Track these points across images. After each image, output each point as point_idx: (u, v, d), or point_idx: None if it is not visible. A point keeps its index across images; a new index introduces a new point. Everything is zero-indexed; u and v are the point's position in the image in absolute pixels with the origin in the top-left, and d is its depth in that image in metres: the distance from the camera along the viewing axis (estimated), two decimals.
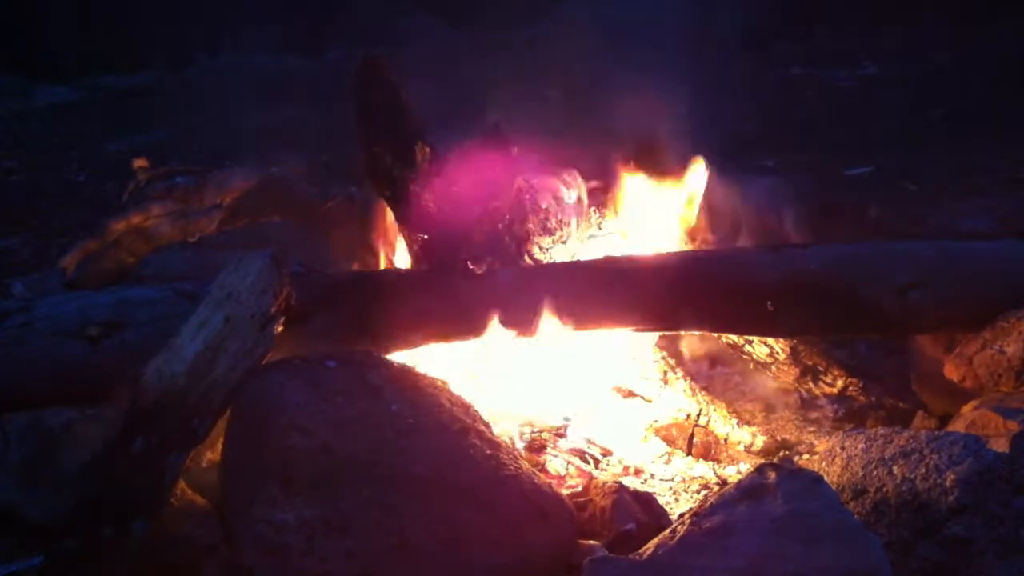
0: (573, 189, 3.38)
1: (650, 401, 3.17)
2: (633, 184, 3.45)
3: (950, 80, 8.14)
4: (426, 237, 2.86)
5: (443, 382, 2.38)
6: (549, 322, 2.74)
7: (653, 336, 3.19)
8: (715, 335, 3.30)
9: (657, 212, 3.45)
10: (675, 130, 3.62)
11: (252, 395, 2.15)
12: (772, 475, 1.95)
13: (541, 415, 3.09)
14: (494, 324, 2.72)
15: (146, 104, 9.57)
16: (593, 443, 3.00)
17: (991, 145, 6.21)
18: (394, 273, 3.04)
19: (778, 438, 3.13)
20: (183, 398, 2.13)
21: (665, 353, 3.26)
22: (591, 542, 2.18)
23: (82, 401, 2.37)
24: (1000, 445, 2.19)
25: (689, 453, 3.04)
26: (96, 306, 2.62)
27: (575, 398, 3.13)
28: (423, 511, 2.00)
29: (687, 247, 3.45)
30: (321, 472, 2.01)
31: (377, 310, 2.68)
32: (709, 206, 3.57)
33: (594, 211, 3.45)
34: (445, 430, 2.19)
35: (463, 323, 2.73)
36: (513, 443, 2.84)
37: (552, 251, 3.02)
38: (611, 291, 2.77)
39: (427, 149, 2.88)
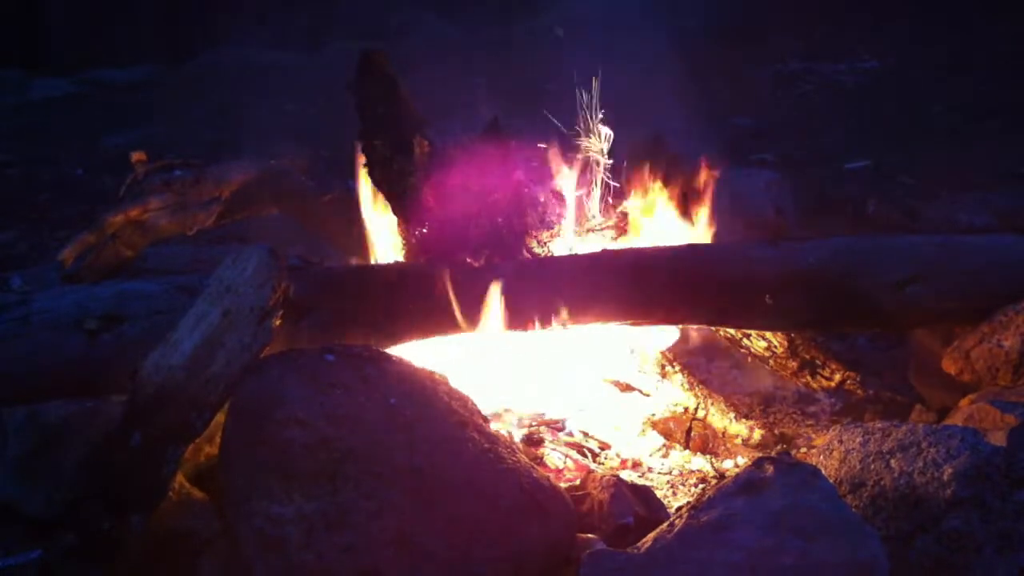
0: (571, 184, 3.38)
1: (648, 395, 3.17)
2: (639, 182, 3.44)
3: (949, 75, 8.13)
4: (425, 231, 2.86)
5: (441, 376, 2.38)
6: (546, 316, 2.74)
7: (651, 329, 3.19)
8: (713, 329, 3.30)
9: (661, 207, 3.44)
10: (676, 125, 3.61)
11: (250, 389, 2.15)
12: (770, 469, 1.95)
13: (539, 409, 3.09)
14: (492, 318, 2.72)
15: (144, 98, 9.55)
16: (591, 437, 3.00)
17: (990, 140, 6.21)
18: (393, 267, 3.04)
19: (776, 432, 3.14)
20: (181, 392, 2.13)
21: (663, 346, 3.26)
22: (589, 535, 2.18)
23: (80, 394, 2.37)
24: (998, 439, 2.19)
25: (687, 447, 3.05)
26: (94, 299, 2.62)
27: (573, 392, 3.13)
28: (421, 505, 2.00)
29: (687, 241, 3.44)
30: (320, 466, 2.01)
31: (376, 304, 2.68)
32: (710, 201, 3.57)
33: (592, 206, 3.44)
34: (443, 423, 2.19)
35: (462, 317, 2.73)
36: (511, 437, 2.85)
37: (551, 245, 3.02)
38: (609, 285, 2.77)
39: (425, 143, 2.88)
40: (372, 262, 3.27)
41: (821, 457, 2.34)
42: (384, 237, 3.23)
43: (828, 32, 9.83)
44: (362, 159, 3.00)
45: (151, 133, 7.47)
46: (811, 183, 5.28)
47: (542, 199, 3.05)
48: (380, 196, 3.05)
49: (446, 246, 2.80)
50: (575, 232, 3.25)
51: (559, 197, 3.14)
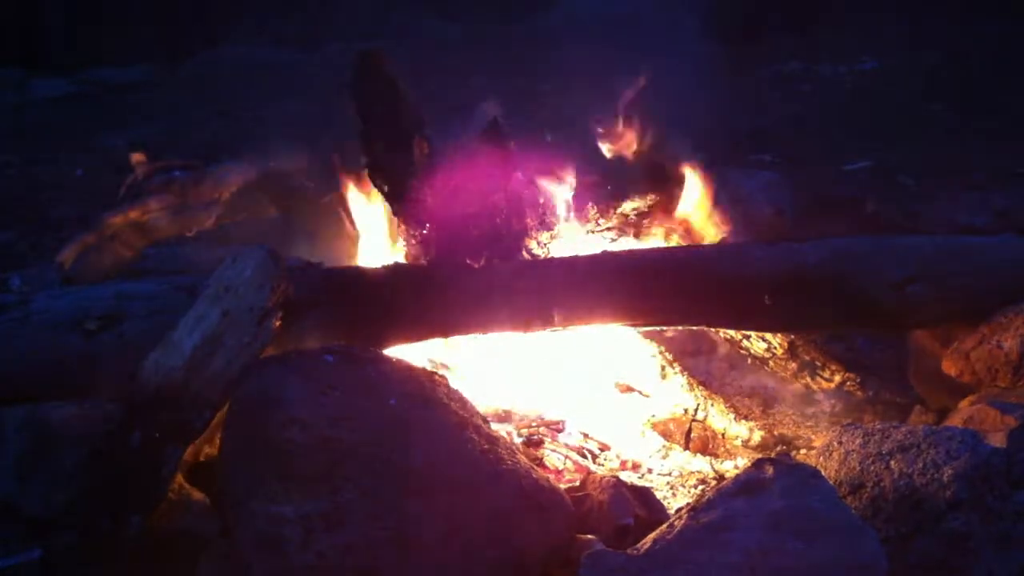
0: (569, 184, 3.38)
1: (648, 396, 3.17)
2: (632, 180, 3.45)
3: (949, 75, 8.13)
4: (424, 232, 2.85)
5: (441, 376, 2.38)
6: (544, 317, 2.74)
7: (651, 331, 3.19)
8: (713, 330, 3.30)
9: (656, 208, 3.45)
10: (674, 126, 3.61)
11: (250, 389, 2.15)
12: (770, 470, 1.95)
13: (539, 410, 3.10)
14: (493, 319, 2.72)
15: (144, 98, 9.55)
16: (591, 438, 3.00)
17: (989, 140, 6.21)
18: (392, 268, 3.04)
19: (776, 433, 3.14)
20: (181, 392, 2.13)
21: (663, 348, 3.26)
22: (589, 536, 2.18)
23: (80, 394, 2.37)
24: (997, 440, 2.19)
25: (687, 448, 3.04)
26: (94, 300, 2.62)
27: (573, 393, 3.13)
28: (421, 505, 2.00)
29: (686, 242, 3.45)
30: (319, 466, 2.01)
31: (375, 304, 2.68)
32: (709, 202, 3.57)
33: (591, 206, 3.44)
34: (443, 424, 2.19)
35: (461, 318, 2.73)
36: (511, 437, 2.85)
37: (550, 246, 3.02)
38: (608, 286, 2.77)
39: (425, 144, 2.88)
40: (363, 264, 3.27)
41: (821, 458, 2.34)
42: (385, 238, 3.23)
43: (828, 32, 9.83)
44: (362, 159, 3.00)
45: (151, 133, 7.45)
46: (811, 183, 5.27)
47: (541, 200, 3.05)
48: (380, 196, 3.06)
49: (446, 247, 2.80)
50: (573, 233, 3.25)
51: (558, 198, 3.15)
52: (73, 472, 2.19)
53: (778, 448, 3.05)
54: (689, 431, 3.07)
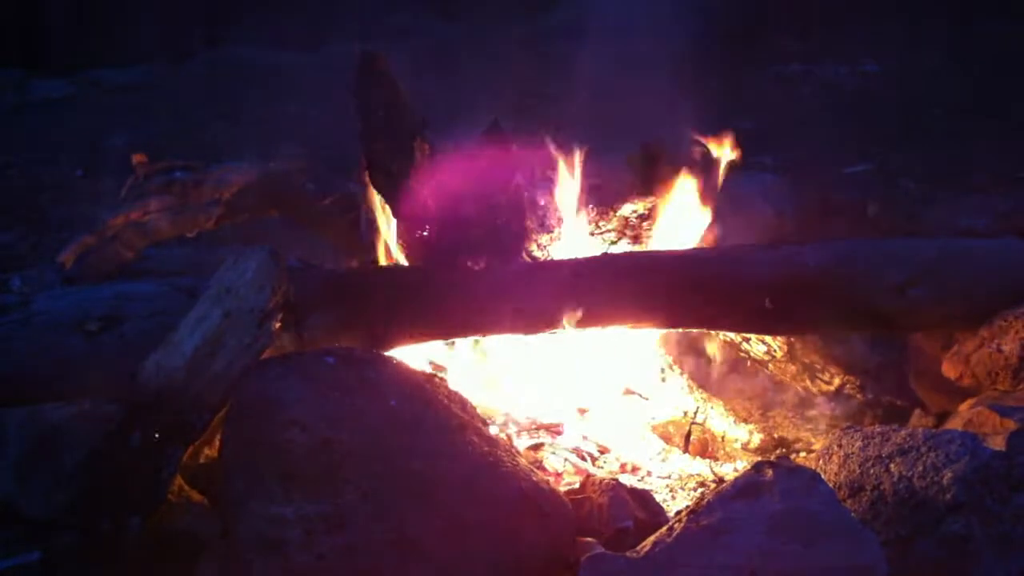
0: (570, 186, 3.38)
1: (647, 399, 3.17)
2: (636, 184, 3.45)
3: (949, 77, 8.13)
4: (424, 233, 2.86)
5: (441, 378, 2.38)
6: (545, 319, 2.74)
7: (651, 333, 3.19)
8: (713, 333, 3.30)
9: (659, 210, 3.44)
10: (675, 128, 3.61)
11: (251, 390, 2.15)
12: (769, 473, 1.95)
13: (539, 412, 3.09)
14: (494, 321, 2.72)
15: (144, 98, 9.54)
16: (590, 440, 3.00)
17: (990, 143, 6.20)
18: (392, 269, 3.04)
19: (775, 436, 3.14)
20: (181, 393, 2.13)
21: (663, 350, 3.26)
22: (588, 539, 2.18)
23: (80, 395, 2.37)
24: (997, 443, 2.19)
25: (686, 451, 3.04)
26: (94, 301, 2.62)
27: (573, 395, 3.13)
28: (421, 507, 2.00)
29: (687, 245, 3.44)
30: (319, 467, 2.01)
31: (376, 306, 2.68)
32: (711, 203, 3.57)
33: (592, 209, 3.44)
34: (443, 426, 2.19)
35: (461, 319, 2.73)
36: (511, 440, 2.84)
37: (550, 248, 3.02)
38: (609, 289, 2.77)
39: (426, 145, 2.88)
40: (373, 264, 3.27)
41: (820, 461, 2.34)
42: (388, 239, 3.24)
43: (828, 34, 9.83)
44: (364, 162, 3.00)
45: (151, 134, 7.45)
46: (811, 186, 5.27)
47: (542, 202, 3.05)
48: (383, 198, 3.06)
49: (446, 248, 2.81)
50: (574, 236, 3.25)
51: (558, 200, 3.14)
52: (73, 472, 2.19)
53: (777, 451, 3.06)
54: (689, 434, 3.07)
